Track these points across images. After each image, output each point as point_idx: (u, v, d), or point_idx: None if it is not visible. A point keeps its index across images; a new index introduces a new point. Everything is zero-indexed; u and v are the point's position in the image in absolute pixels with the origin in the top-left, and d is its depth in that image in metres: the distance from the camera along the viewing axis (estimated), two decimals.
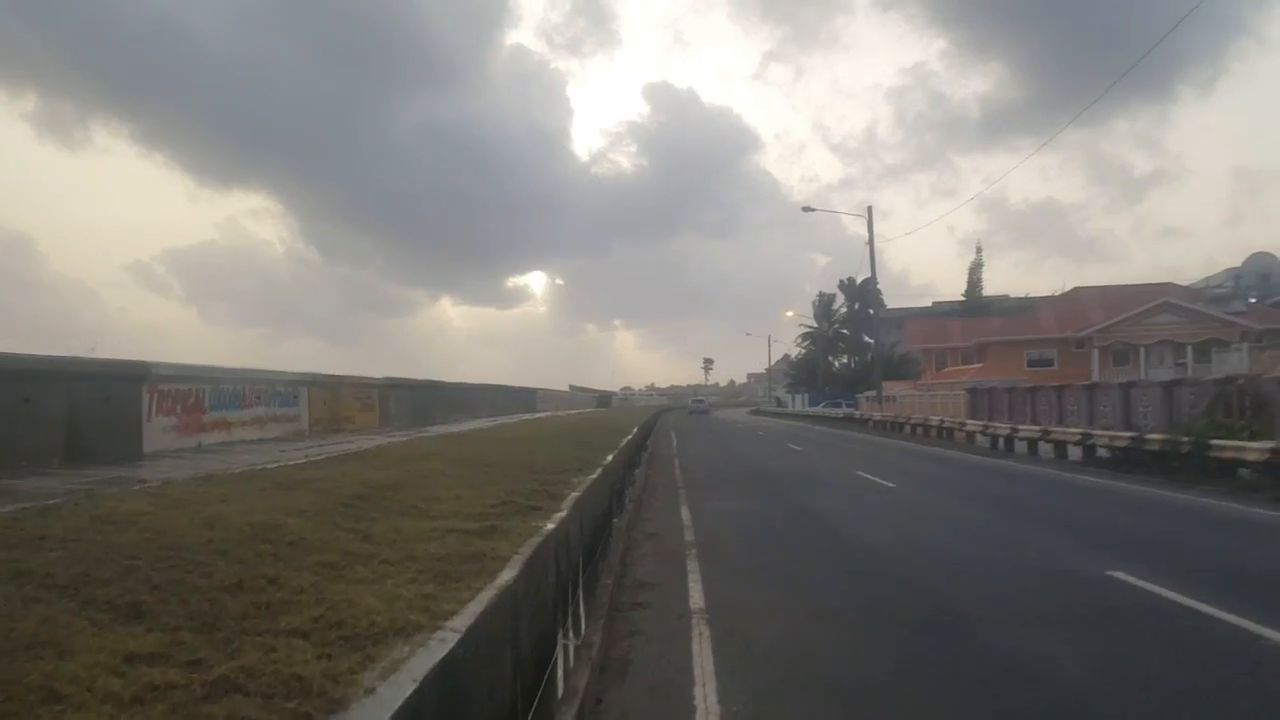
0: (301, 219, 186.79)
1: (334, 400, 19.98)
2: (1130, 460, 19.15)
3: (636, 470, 24.37)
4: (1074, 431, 21.96)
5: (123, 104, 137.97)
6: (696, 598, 8.21)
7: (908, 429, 37.48)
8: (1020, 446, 25.55)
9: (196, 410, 13.85)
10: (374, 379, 22.81)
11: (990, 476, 18.95)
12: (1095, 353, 53.86)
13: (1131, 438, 19.19)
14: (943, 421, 32.79)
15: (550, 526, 8.48)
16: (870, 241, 43.32)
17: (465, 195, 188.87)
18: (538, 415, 41.87)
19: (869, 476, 18.71)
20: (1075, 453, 22.42)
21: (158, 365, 12.72)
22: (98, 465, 10.79)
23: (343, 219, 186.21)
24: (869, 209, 43.72)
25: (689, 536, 11.74)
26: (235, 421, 15.08)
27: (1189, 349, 52.91)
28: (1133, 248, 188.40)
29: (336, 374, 20.59)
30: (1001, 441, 26.67)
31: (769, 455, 26.76)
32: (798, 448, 29.95)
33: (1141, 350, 53.27)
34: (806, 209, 47.93)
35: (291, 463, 12.20)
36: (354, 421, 21.00)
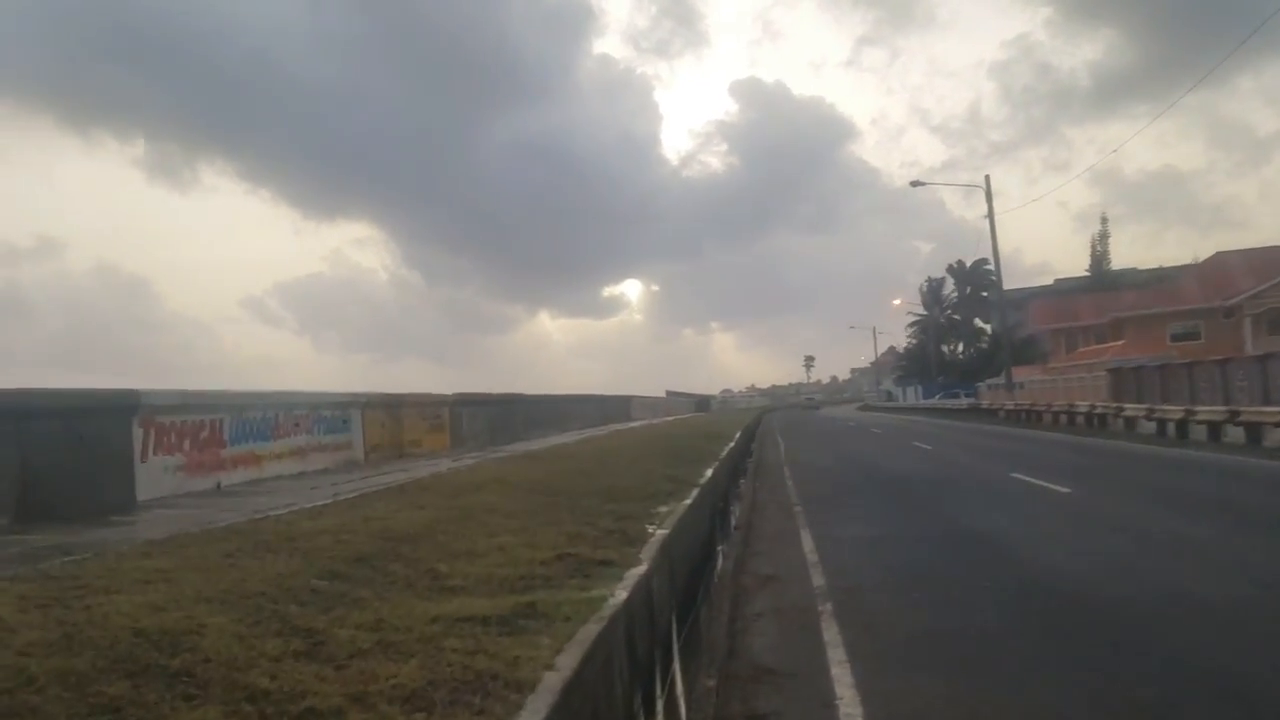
0: (403, 245, 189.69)
1: (395, 422, 17.67)
2: None
3: (742, 481, 21.49)
4: (1273, 412, 18.06)
5: (227, 142, 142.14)
6: (850, 701, 5.30)
7: (1047, 418, 33.45)
8: (1197, 432, 21.64)
9: (213, 444, 11.57)
10: (443, 396, 20.46)
11: (1189, 473, 15.30)
12: (1247, 322, 48.36)
13: None
14: (1093, 407, 28.79)
15: (621, 596, 5.68)
16: (990, 214, 39.41)
17: (558, 208, 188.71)
18: (632, 425, 39.27)
19: (1030, 479, 15.33)
20: (1275, 437, 18.55)
21: (152, 393, 10.45)
22: (58, 524, 8.49)
23: (442, 241, 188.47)
24: (986, 178, 39.85)
25: (818, 581, 8.79)
26: (266, 455, 12.79)
27: None
28: (1261, 213, 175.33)
29: (397, 392, 18.28)
30: (1172, 427, 22.76)
31: (894, 457, 23.44)
32: (925, 446, 26.47)
33: None
34: (915, 183, 44.38)
35: (311, 505, 9.74)
36: (420, 445, 18.66)
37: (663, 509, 10.01)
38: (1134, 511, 11.57)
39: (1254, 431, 18.89)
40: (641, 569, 6.68)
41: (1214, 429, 20.60)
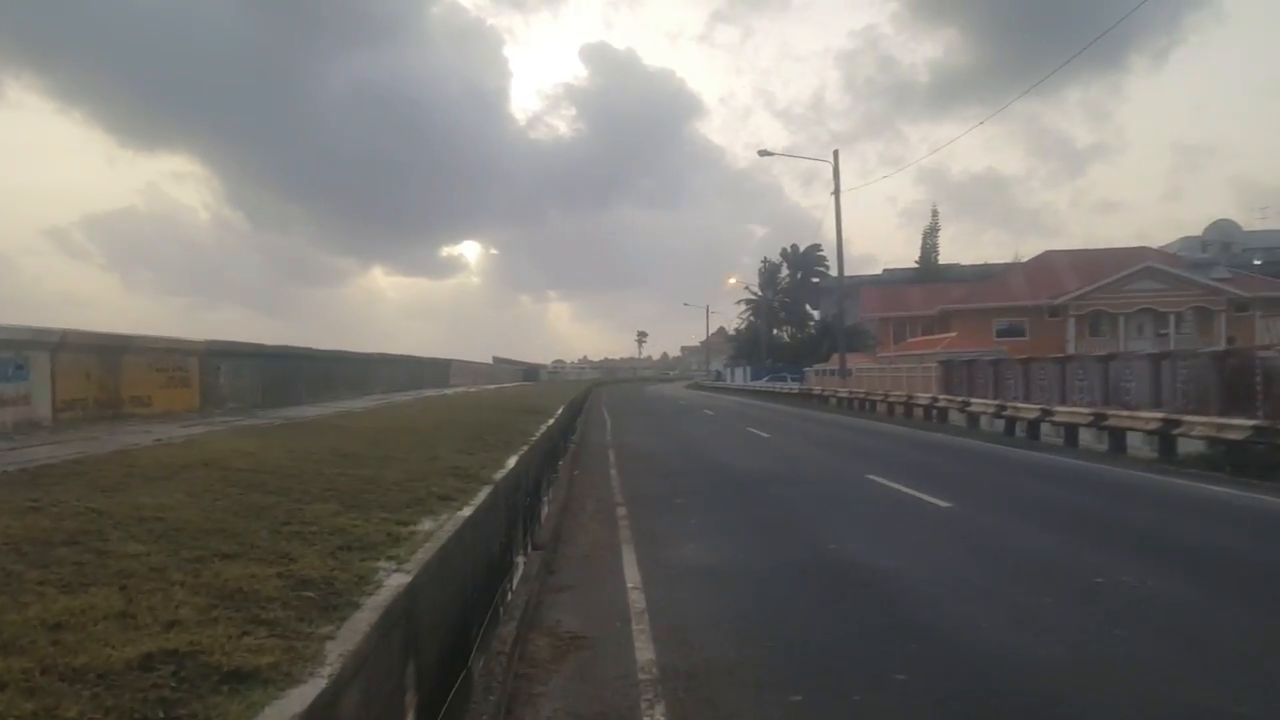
0: (228, 183, 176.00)
1: (110, 372, 13.50)
2: (1246, 459, 13.76)
3: (560, 462, 18.48)
4: (1148, 417, 16.48)
5: (38, 56, 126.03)
6: None
7: (882, 408, 32.07)
8: (1048, 433, 20.19)
9: None
10: (190, 342, 16.21)
11: (1078, 487, 12.84)
12: (1071, 321, 49.37)
13: (1256, 427, 13.72)
14: (935, 400, 27.32)
15: None
16: (836, 190, 37.70)
17: (398, 159, 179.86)
18: (446, 391, 35.50)
19: (894, 485, 12.92)
20: (1136, 444, 17.09)
21: None
22: None
23: (271, 184, 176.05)
24: (835, 153, 38.13)
25: (644, 651, 5.79)
26: None
27: (1171, 317, 48.74)
28: (1071, 221, 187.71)
29: (116, 332, 14.10)
30: (1022, 427, 21.25)
31: (731, 446, 20.92)
32: (763, 434, 24.17)
33: (1121, 319, 48.93)
34: (763, 152, 42.48)
35: None
36: (151, 404, 14.51)
37: (425, 524, 6.73)
38: (1053, 544, 8.99)
39: (1118, 438, 17.37)
40: (310, 690, 3.43)
41: (1071, 431, 19.11)
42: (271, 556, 5.23)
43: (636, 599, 7.08)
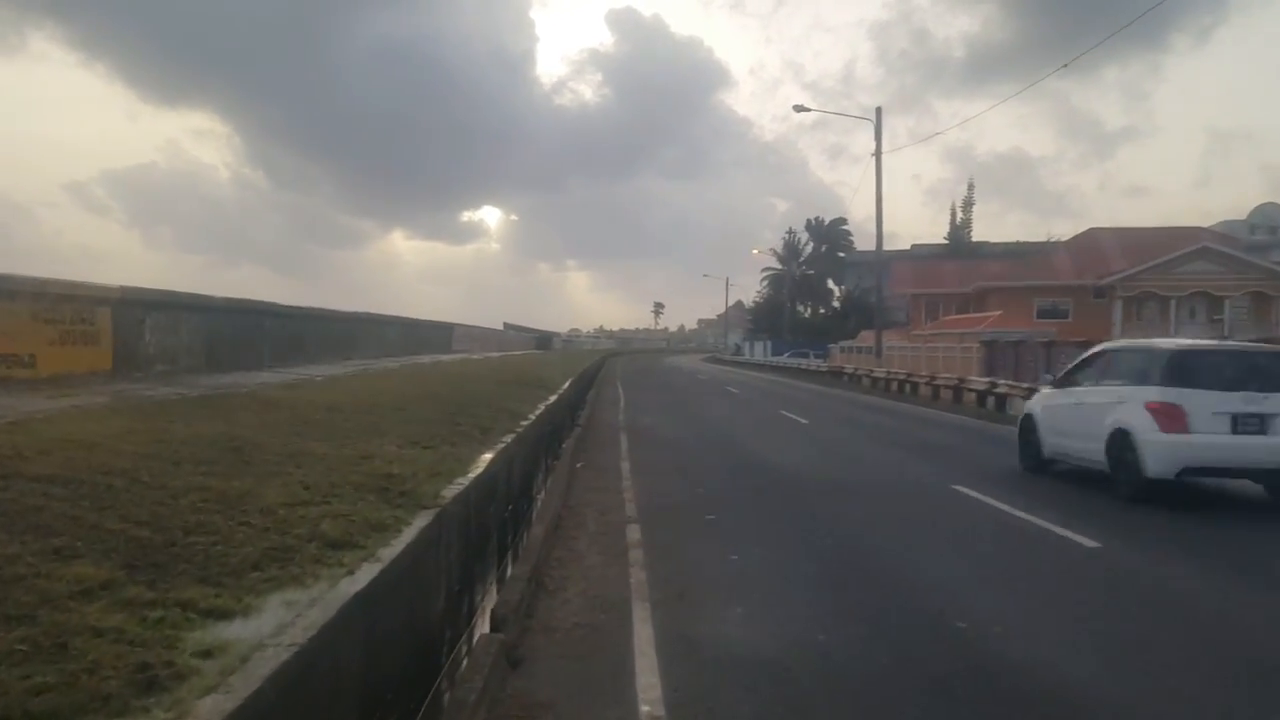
0: (249, 141, 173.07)
1: None
2: None
3: (563, 445, 15.35)
4: None
5: (62, 6, 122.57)
6: None
7: (925, 391, 28.78)
8: None
9: None
10: (98, 287, 12.93)
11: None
12: (1118, 303, 45.77)
13: None
14: (993, 385, 23.92)
15: None
16: (877, 151, 34.27)
17: (422, 120, 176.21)
18: (443, 358, 32.39)
19: (1001, 506, 9.64)
20: None
21: None
22: None
23: (292, 143, 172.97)
24: (878, 110, 34.69)
25: None
26: None
27: (1226, 303, 45.13)
28: (1097, 205, 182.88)
29: None
30: None
31: (766, 434, 17.69)
32: (799, 419, 20.89)
33: (1172, 302, 45.31)
34: (799, 108, 39.50)
35: None
36: (34, 363, 11.32)
37: (262, 618, 3.54)
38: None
39: None
40: None
41: None
42: None
43: None
